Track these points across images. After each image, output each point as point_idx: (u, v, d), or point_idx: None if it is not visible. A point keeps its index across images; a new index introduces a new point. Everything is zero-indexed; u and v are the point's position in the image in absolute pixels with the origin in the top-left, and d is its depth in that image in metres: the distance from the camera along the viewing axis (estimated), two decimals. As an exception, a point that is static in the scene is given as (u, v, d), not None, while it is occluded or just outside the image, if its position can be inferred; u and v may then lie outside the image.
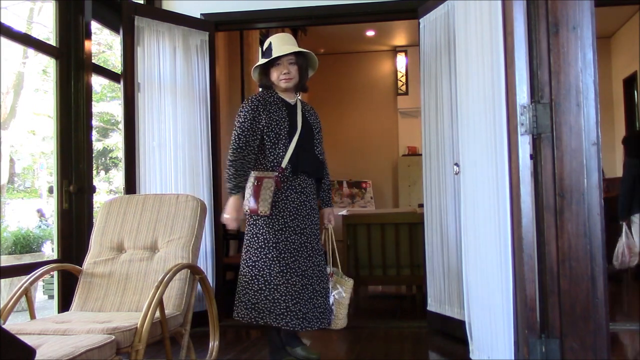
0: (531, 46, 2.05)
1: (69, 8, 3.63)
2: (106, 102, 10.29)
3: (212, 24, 4.53)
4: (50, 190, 7.31)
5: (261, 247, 3.01)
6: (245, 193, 3.03)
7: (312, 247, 3.08)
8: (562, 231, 1.99)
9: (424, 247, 4.03)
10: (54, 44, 3.58)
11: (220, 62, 5.15)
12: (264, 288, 2.97)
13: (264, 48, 3.18)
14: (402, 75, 9.44)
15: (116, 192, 9.97)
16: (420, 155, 4.29)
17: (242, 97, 6.45)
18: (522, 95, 2.05)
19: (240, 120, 3.04)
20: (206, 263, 4.31)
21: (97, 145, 9.98)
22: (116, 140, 10.33)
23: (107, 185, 10.73)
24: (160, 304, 2.39)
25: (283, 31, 5.26)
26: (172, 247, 2.91)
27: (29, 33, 5.89)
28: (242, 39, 6.46)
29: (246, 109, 3.06)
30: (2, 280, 5.37)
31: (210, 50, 4.50)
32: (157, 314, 2.38)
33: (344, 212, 6.27)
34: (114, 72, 4.44)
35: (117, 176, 10.57)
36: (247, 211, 3.02)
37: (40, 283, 6.37)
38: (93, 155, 3.87)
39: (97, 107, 9.77)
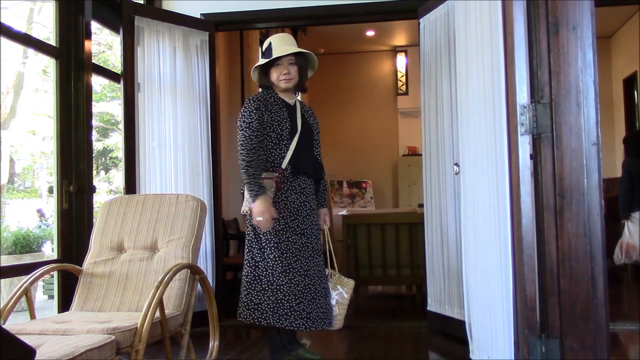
0: (531, 46, 2.05)
1: (69, 8, 3.63)
2: (106, 102, 10.30)
3: (212, 24, 4.53)
4: (50, 190, 7.31)
5: (263, 248, 3.01)
6: (245, 194, 3.02)
7: (313, 248, 3.07)
8: (562, 231, 1.99)
9: (424, 247, 4.03)
10: (54, 44, 3.58)
11: (220, 62, 5.16)
12: (266, 288, 2.97)
13: (264, 48, 3.18)
14: (402, 75, 9.44)
15: (116, 192, 9.97)
16: (420, 155, 4.29)
17: (242, 97, 6.45)
18: (522, 95, 2.05)
19: (247, 121, 3.01)
20: (206, 263, 4.31)
21: (97, 145, 9.99)
22: (116, 140, 10.33)
23: (107, 185, 10.73)
24: (160, 304, 2.38)
25: (283, 31, 5.27)
26: (172, 247, 2.91)
27: (29, 33, 5.89)
28: (242, 39, 6.46)
29: (250, 109, 3.04)
30: (2, 280, 5.37)
31: (210, 50, 4.50)
32: (157, 314, 2.38)
33: (344, 212, 6.27)
34: (114, 72, 4.44)
35: (117, 176, 10.57)
36: (247, 212, 3.02)
37: (40, 283, 6.37)
38: (93, 155, 3.87)
39: (97, 107, 9.77)
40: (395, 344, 3.81)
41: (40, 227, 7.38)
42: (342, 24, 6.66)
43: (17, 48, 7.75)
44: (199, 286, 2.89)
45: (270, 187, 2.97)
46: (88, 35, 3.75)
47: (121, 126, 4.12)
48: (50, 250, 6.44)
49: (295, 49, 3.10)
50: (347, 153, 9.15)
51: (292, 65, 3.11)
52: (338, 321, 3.13)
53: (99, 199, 8.45)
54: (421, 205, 4.33)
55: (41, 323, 2.40)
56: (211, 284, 3.92)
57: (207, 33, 4.48)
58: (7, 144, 8.42)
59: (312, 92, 8.34)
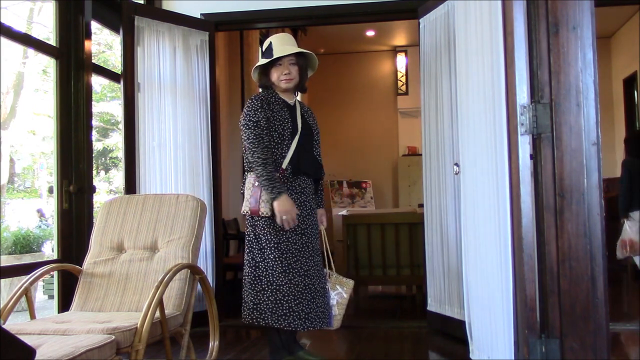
0: (531, 46, 2.05)
1: (69, 8, 3.63)
2: (106, 102, 10.29)
3: (212, 24, 4.53)
4: (50, 190, 7.31)
5: (263, 248, 3.01)
6: (245, 194, 3.02)
7: (313, 247, 3.08)
8: (562, 231, 1.99)
9: (424, 247, 4.03)
10: (54, 44, 3.58)
11: (220, 62, 5.16)
12: (266, 289, 2.97)
13: (264, 48, 3.18)
14: (402, 75, 9.44)
15: (116, 192, 9.97)
16: (420, 155, 4.29)
17: (242, 97, 6.45)
18: (522, 95, 2.05)
19: (254, 120, 3.00)
20: (206, 263, 4.31)
21: (97, 145, 9.98)
22: (116, 140, 10.33)
23: (107, 185, 10.72)
24: (160, 304, 2.38)
25: (283, 31, 5.26)
26: (172, 247, 2.91)
27: (29, 33, 5.89)
28: (242, 39, 6.47)
29: (255, 107, 3.02)
30: (2, 280, 5.37)
31: (210, 50, 4.50)
32: (157, 314, 2.38)
33: (344, 212, 6.27)
34: (114, 72, 4.44)
35: (117, 176, 10.56)
36: (247, 212, 3.01)
37: (40, 283, 6.37)
38: (93, 155, 3.87)
39: (97, 107, 9.77)
40: (395, 344, 3.81)
41: (40, 227, 7.38)
42: (342, 24, 6.66)
43: (17, 48, 7.75)
44: (199, 286, 2.89)
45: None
46: (88, 35, 3.75)
47: (121, 126, 4.12)
48: (50, 250, 6.44)
49: (296, 49, 3.10)
50: (347, 153, 9.16)
51: (293, 66, 3.11)
52: (337, 321, 3.13)
53: (99, 199, 8.44)
54: (421, 205, 4.33)
55: (41, 323, 2.40)
56: (211, 284, 3.92)
57: (207, 33, 4.48)
58: (7, 144, 8.42)
59: (312, 92, 8.34)
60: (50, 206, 7.27)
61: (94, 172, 6.63)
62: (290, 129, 3.06)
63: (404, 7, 4.30)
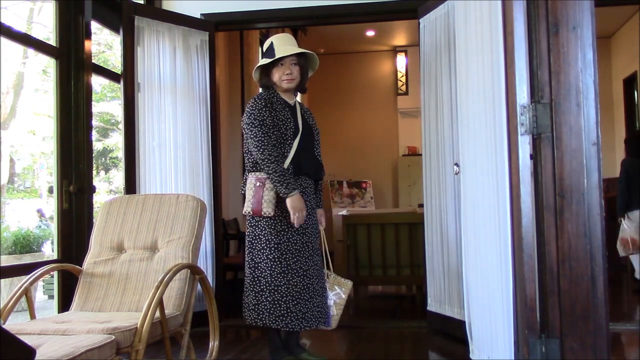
0: (531, 46, 2.05)
1: (69, 8, 3.63)
2: (106, 102, 10.29)
3: (212, 24, 4.53)
4: (50, 190, 7.31)
5: (263, 249, 3.01)
6: (247, 194, 3.02)
7: (313, 247, 3.08)
8: (562, 231, 1.99)
9: (424, 247, 4.03)
10: (54, 44, 3.58)
11: (220, 62, 5.16)
12: (265, 289, 2.98)
13: (265, 48, 3.18)
14: (402, 75, 9.44)
15: (116, 192, 9.97)
16: (420, 155, 4.29)
17: (242, 97, 6.45)
18: (522, 95, 2.05)
19: (259, 119, 2.99)
20: (206, 263, 4.31)
21: (97, 145, 9.98)
22: (116, 140, 10.33)
23: (107, 185, 10.72)
24: (160, 304, 2.38)
25: (283, 31, 5.27)
26: (172, 247, 2.91)
27: (29, 33, 5.89)
28: (242, 39, 6.47)
29: (259, 107, 3.02)
30: (2, 280, 5.37)
31: (210, 50, 4.50)
32: (157, 314, 2.38)
33: (344, 212, 6.27)
34: (114, 72, 4.44)
35: (117, 176, 10.56)
36: (249, 212, 3.01)
37: (40, 283, 6.37)
38: (93, 155, 3.87)
39: (97, 107, 9.76)
40: (395, 344, 3.81)
41: (40, 227, 7.38)
42: (342, 24, 6.66)
43: (17, 48, 7.75)
44: (199, 286, 2.89)
45: (272, 187, 2.97)
46: (88, 35, 3.75)
47: (121, 126, 4.12)
48: (50, 250, 6.44)
49: (298, 49, 3.10)
50: (347, 153, 9.16)
51: (294, 66, 3.11)
52: (334, 321, 3.13)
53: (99, 199, 8.44)
54: (421, 205, 4.33)
55: (41, 323, 2.40)
56: (211, 284, 3.92)
57: (207, 33, 4.48)
58: (7, 144, 8.41)
59: (312, 92, 8.34)
60: (50, 206, 7.26)
61: (94, 172, 6.63)
62: (292, 129, 3.06)
63: (404, 7, 4.30)
